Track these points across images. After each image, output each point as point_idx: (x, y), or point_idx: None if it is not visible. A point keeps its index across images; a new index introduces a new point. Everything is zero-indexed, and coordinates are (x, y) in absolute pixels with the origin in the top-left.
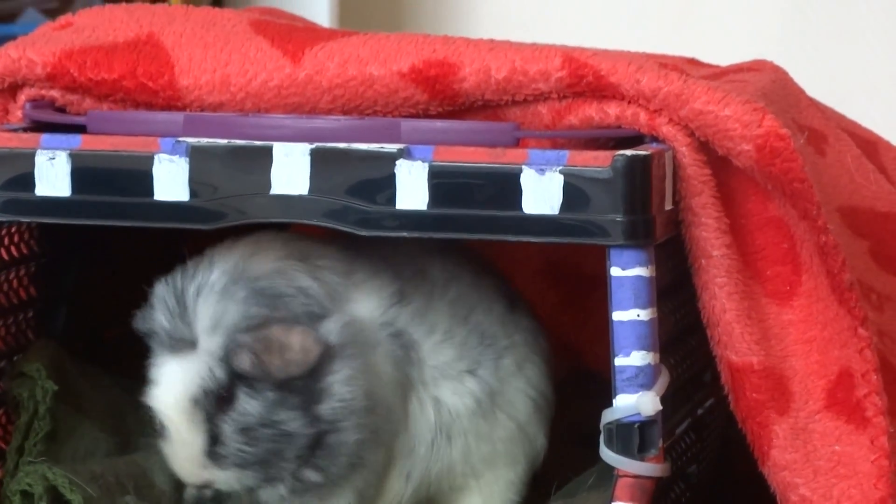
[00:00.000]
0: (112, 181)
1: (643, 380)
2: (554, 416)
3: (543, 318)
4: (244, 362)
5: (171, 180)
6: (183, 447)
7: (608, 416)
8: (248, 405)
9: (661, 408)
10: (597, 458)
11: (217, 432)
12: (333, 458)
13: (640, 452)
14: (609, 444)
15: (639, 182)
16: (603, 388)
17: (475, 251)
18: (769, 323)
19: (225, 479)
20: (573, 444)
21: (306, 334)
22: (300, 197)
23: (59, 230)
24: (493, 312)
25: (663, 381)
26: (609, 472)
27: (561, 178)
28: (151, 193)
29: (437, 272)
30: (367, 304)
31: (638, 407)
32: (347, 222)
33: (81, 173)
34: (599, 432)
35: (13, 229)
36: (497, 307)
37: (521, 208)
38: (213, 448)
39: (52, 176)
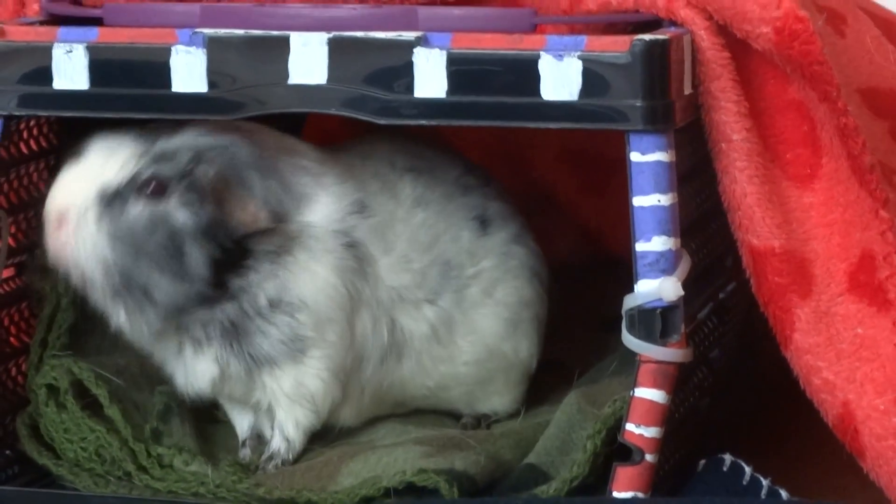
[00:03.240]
0: (129, 73)
1: (664, 265)
2: (575, 302)
3: (564, 204)
4: (208, 174)
5: (188, 72)
6: (94, 168)
7: (630, 301)
8: (177, 211)
9: (682, 293)
10: (619, 343)
11: (127, 198)
12: (206, 317)
13: (662, 338)
14: (631, 330)
15: (657, 67)
16: (624, 273)
17: (458, 161)
18: (790, 206)
19: (92, 235)
20: (595, 329)
21: (264, 207)
22: (318, 86)
23: (78, 123)
24: (461, 240)
25: (685, 266)
26: (631, 358)
27: (579, 64)
28: (169, 85)
29: (407, 193)
30: (325, 208)
31: (660, 292)
32: (366, 111)
33: (99, 66)
34: (621, 318)
35: (31, 123)
36: (466, 234)
37: (539, 95)
38: (112, 205)
39: (70, 69)
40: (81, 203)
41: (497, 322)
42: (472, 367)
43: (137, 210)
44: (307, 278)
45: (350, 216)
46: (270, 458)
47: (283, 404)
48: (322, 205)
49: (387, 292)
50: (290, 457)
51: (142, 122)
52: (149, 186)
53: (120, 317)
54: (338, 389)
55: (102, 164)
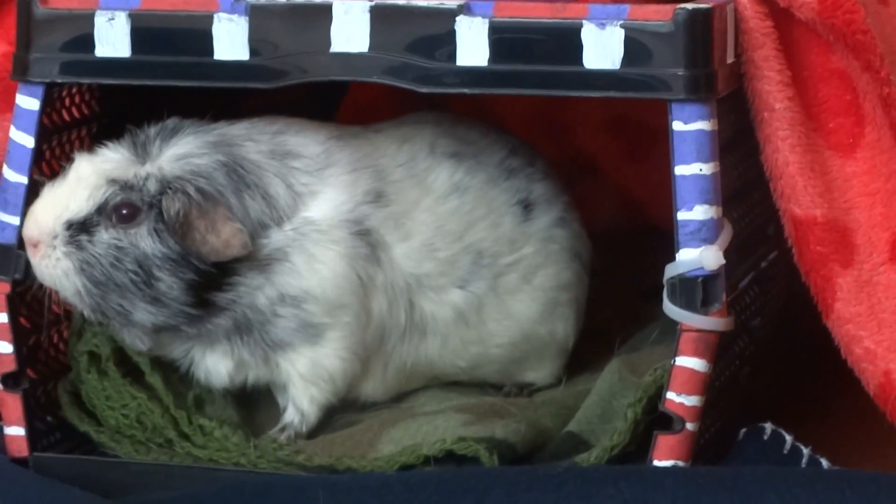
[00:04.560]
0: (171, 41)
1: (706, 234)
2: (616, 271)
3: (606, 173)
4: (171, 208)
5: (230, 39)
6: (62, 199)
7: (671, 270)
8: (143, 240)
9: (724, 262)
10: (660, 312)
11: (94, 226)
12: (206, 329)
13: (703, 306)
14: (672, 299)
15: (700, 36)
16: (666, 242)
17: (504, 142)
18: (832, 175)
19: (56, 262)
20: (636, 298)
21: (239, 233)
22: (360, 55)
23: (119, 91)
24: (502, 227)
25: (726, 234)
26: (672, 327)
27: (622, 33)
28: (211, 53)
29: (441, 181)
30: (332, 201)
31: (701, 261)
32: (408, 79)
33: (141, 33)
34: (662, 287)
35: (74, 90)
36: (507, 220)
37: (582, 63)
38: (79, 232)
39: (112, 36)
40: (50, 230)
41: (534, 306)
42: (506, 348)
43: (105, 238)
44: (311, 271)
45: (363, 206)
46: (283, 429)
47: (298, 384)
48: (327, 198)
49: (403, 277)
50: (304, 429)
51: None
52: (116, 214)
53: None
54: (357, 365)
55: (73, 189)
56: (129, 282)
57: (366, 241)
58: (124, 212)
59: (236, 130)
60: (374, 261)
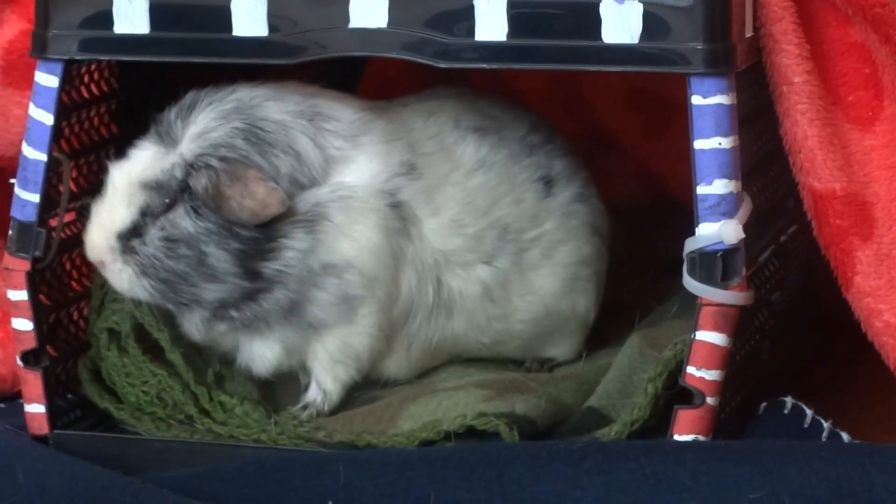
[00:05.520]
0: (190, 17)
1: (725, 208)
2: (636, 246)
3: (626, 147)
4: (199, 183)
5: (249, 15)
6: (107, 215)
7: (691, 244)
8: (182, 220)
9: (743, 236)
10: (680, 287)
11: (143, 228)
12: (259, 310)
13: (723, 281)
14: (692, 273)
15: (719, 10)
16: (686, 216)
17: (524, 118)
18: (851, 149)
19: (120, 273)
20: (656, 272)
21: (273, 191)
22: (379, 30)
23: (138, 68)
24: (524, 202)
25: (746, 208)
26: (692, 301)
27: (640, 7)
28: (230, 29)
29: (469, 155)
30: (367, 170)
31: (721, 235)
32: (426, 55)
33: (159, 10)
34: (682, 261)
35: (92, 67)
36: (529, 196)
37: (600, 38)
38: (131, 239)
39: (131, 13)
40: (105, 248)
41: (556, 281)
42: (529, 324)
43: (154, 234)
44: (350, 239)
45: (396, 177)
46: (305, 406)
47: (325, 362)
48: (361, 166)
49: (432, 254)
50: (326, 408)
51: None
52: (155, 209)
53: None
54: (383, 343)
55: (113, 203)
56: (185, 266)
57: (398, 214)
58: (160, 206)
59: (259, 91)
60: (406, 235)
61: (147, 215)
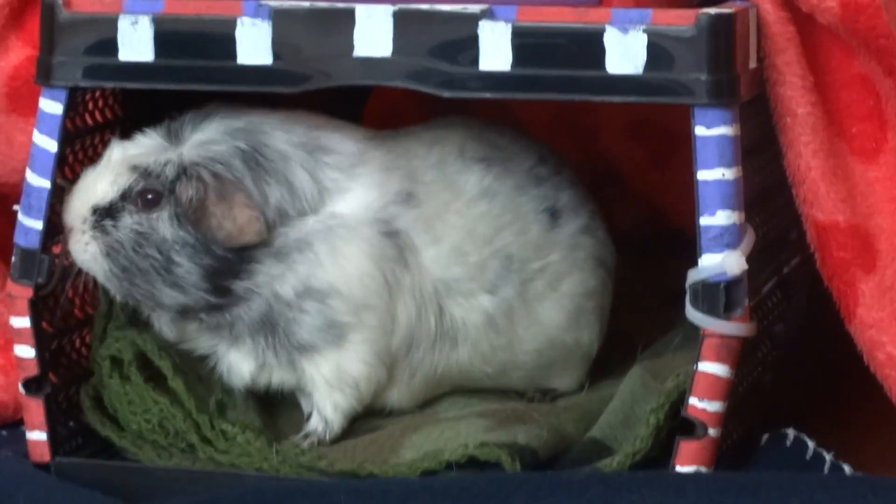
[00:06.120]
0: (195, 45)
1: (728, 239)
2: (639, 276)
3: (629, 178)
4: (186, 193)
5: (253, 43)
6: (91, 184)
7: (694, 275)
8: (162, 225)
9: (746, 267)
10: (682, 318)
11: (119, 211)
12: (227, 318)
13: (726, 312)
14: (695, 304)
15: (723, 40)
16: (688, 247)
17: (533, 149)
18: (854, 181)
19: (85, 245)
20: (659, 303)
21: (255, 220)
22: (383, 59)
23: (143, 95)
24: (529, 233)
25: (749, 240)
26: (695, 332)
27: (645, 38)
28: (235, 57)
29: (472, 184)
30: (361, 199)
31: (723, 266)
32: (430, 84)
33: (164, 37)
34: (685, 292)
35: (96, 94)
36: (535, 227)
37: (604, 68)
38: (105, 217)
39: (135, 40)
40: (80, 215)
41: (560, 313)
42: (533, 355)
43: (128, 223)
44: (336, 266)
45: (392, 206)
46: (307, 435)
47: (322, 389)
48: (356, 195)
49: (432, 283)
50: (328, 437)
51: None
52: (140, 200)
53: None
54: (383, 372)
55: (102, 175)
56: (149, 267)
57: (394, 242)
58: (148, 197)
59: (270, 119)
60: (402, 263)
61: (127, 199)
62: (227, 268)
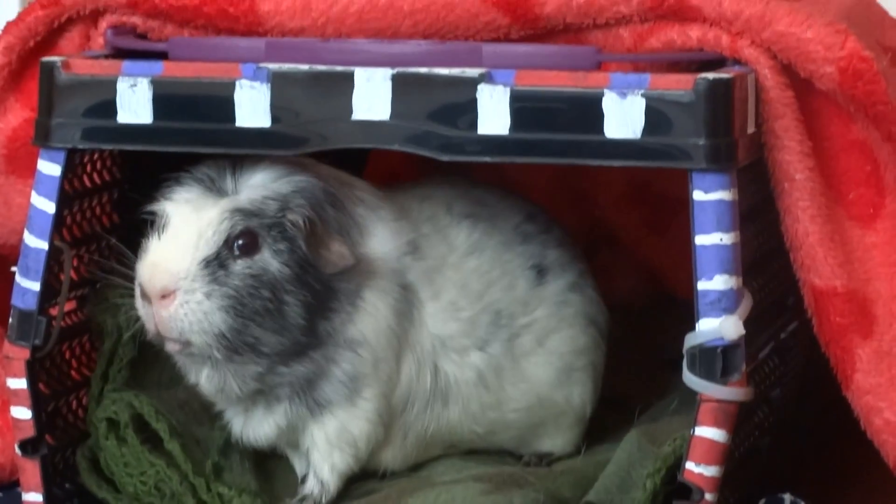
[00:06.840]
0: (194, 108)
1: (726, 304)
2: (636, 341)
3: (626, 243)
4: (295, 222)
5: (252, 106)
6: (187, 238)
7: (691, 340)
8: (266, 260)
9: (744, 332)
10: (680, 382)
11: (227, 259)
12: (283, 378)
13: (723, 377)
14: (692, 369)
15: (721, 105)
16: (686, 312)
17: (519, 207)
18: (852, 246)
19: (199, 304)
20: (656, 368)
21: (345, 247)
22: (382, 122)
23: (141, 157)
24: (516, 289)
25: (746, 304)
26: (692, 397)
27: (643, 102)
28: (233, 120)
29: (461, 240)
30: (384, 245)
31: (721, 331)
32: (429, 147)
33: (163, 100)
34: (682, 357)
35: (95, 156)
36: (521, 283)
37: (603, 132)
38: (218, 269)
39: (134, 103)
40: (185, 274)
41: (549, 371)
42: (522, 413)
43: (239, 268)
44: (369, 315)
45: (404, 256)
46: (302, 499)
47: (322, 448)
48: (379, 239)
49: (430, 339)
50: (324, 500)
51: (204, 160)
52: (242, 244)
53: (202, 375)
54: (381, 431)
55: (194, 229)
56: (263, 310)
57: (405, 296)
58: (246, 241)
59: (303, 159)
60: (409, 318)
61: (227, 246)
62: (319, 303)
